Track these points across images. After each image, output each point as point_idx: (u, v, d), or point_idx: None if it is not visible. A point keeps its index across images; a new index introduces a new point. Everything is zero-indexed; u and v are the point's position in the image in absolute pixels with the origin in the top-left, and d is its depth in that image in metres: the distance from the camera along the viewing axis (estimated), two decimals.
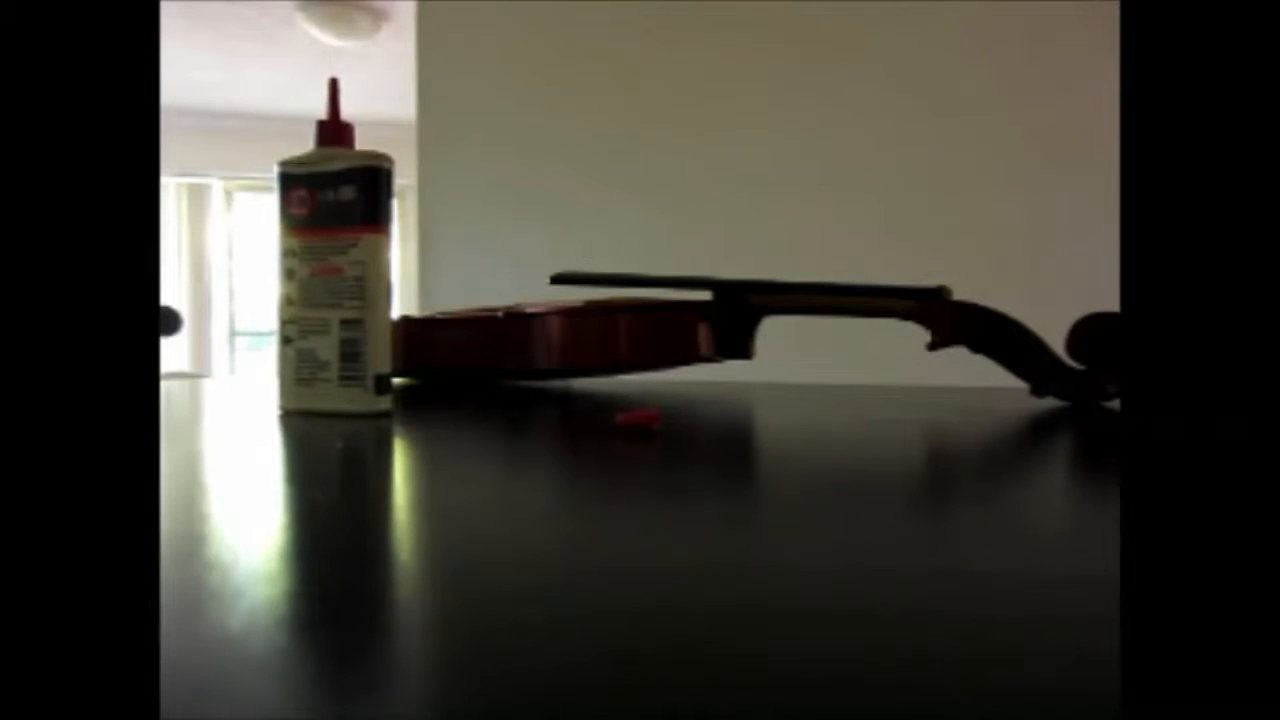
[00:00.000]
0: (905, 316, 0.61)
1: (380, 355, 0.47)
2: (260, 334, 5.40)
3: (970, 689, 0.13)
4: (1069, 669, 0.13)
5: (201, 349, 5.33)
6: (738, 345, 0.65)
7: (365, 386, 0.47)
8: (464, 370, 0.65)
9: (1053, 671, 0.13)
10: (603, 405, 0.58)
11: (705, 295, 0.65)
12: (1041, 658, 0.14)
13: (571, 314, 0.62)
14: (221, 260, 5.40)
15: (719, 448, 0.42)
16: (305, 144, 0.49)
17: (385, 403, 0.47)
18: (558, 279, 0.70)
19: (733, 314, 0.61)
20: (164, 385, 0.70)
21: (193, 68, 4.23)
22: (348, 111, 0.50)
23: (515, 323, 0.63)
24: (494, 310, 0.66)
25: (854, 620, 0.16)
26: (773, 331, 0.95)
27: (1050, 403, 0.61)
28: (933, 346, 0.59)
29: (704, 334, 0.64)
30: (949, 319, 0.58)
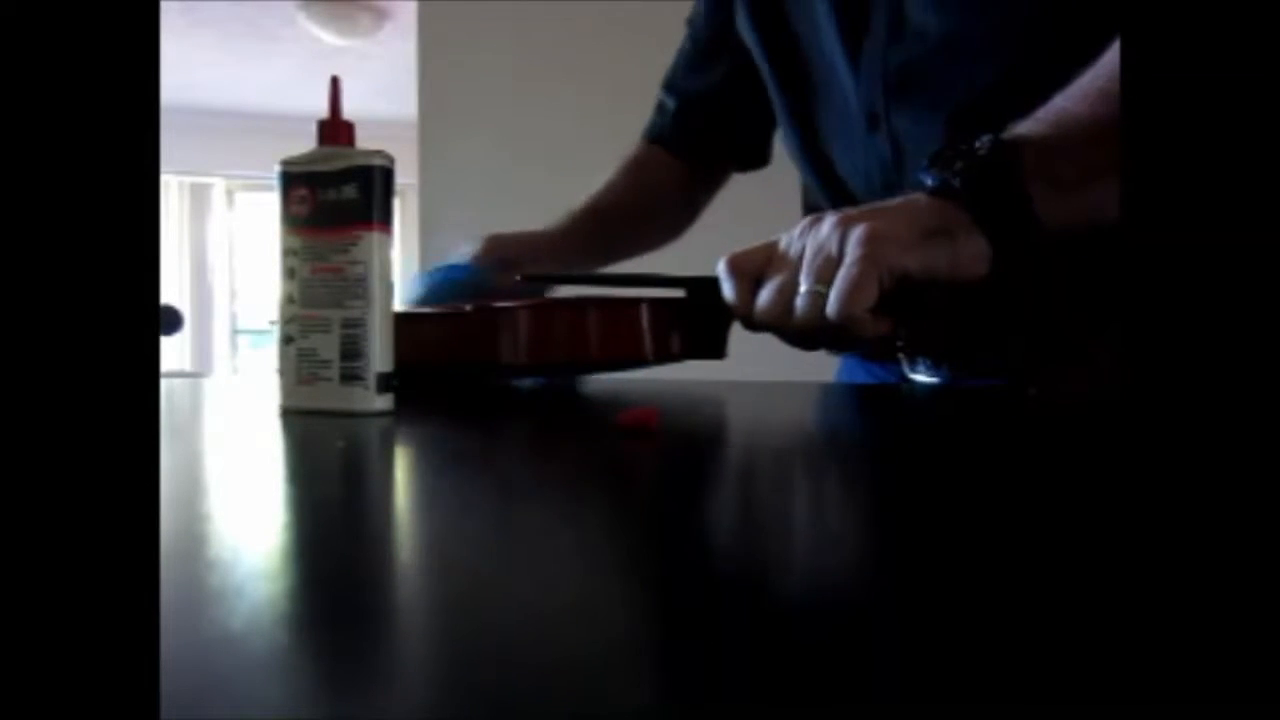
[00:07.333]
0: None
1: (382, 354, 0.47)
2: (262, 332, 5.39)
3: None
4: None
5: (203, 347, 5.33)
6: (711, 344, 0.65)
7: (367, 385, 0.47)
8: (434, 368, 0.64)
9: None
10: (602, 405, 0.58)
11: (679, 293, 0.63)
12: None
13: (539, 309, 0.61)
14: (223, 259, 5.40)
15: (718, 447, 0.42)
16: (307, 143, 0.49)
17: (387, 402, 0.47)
18: (528, 277, 0.70)
19: (706, 312, 0.61)
20: (164, 384, 0.70)
21: (194, 66, 4.23)
22: (349, 110, 0.49)
23: (483, 317, 0.62)
24: (462, 306, 0.65)
25: (854, 618, 0.16)
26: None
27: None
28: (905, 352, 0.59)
29: (677, 332, 0.63)
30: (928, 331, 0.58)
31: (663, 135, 0.92)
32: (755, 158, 0.93)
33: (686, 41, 0.91)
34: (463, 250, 0.79)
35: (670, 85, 0.92)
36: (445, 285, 0.73)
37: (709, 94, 0.89)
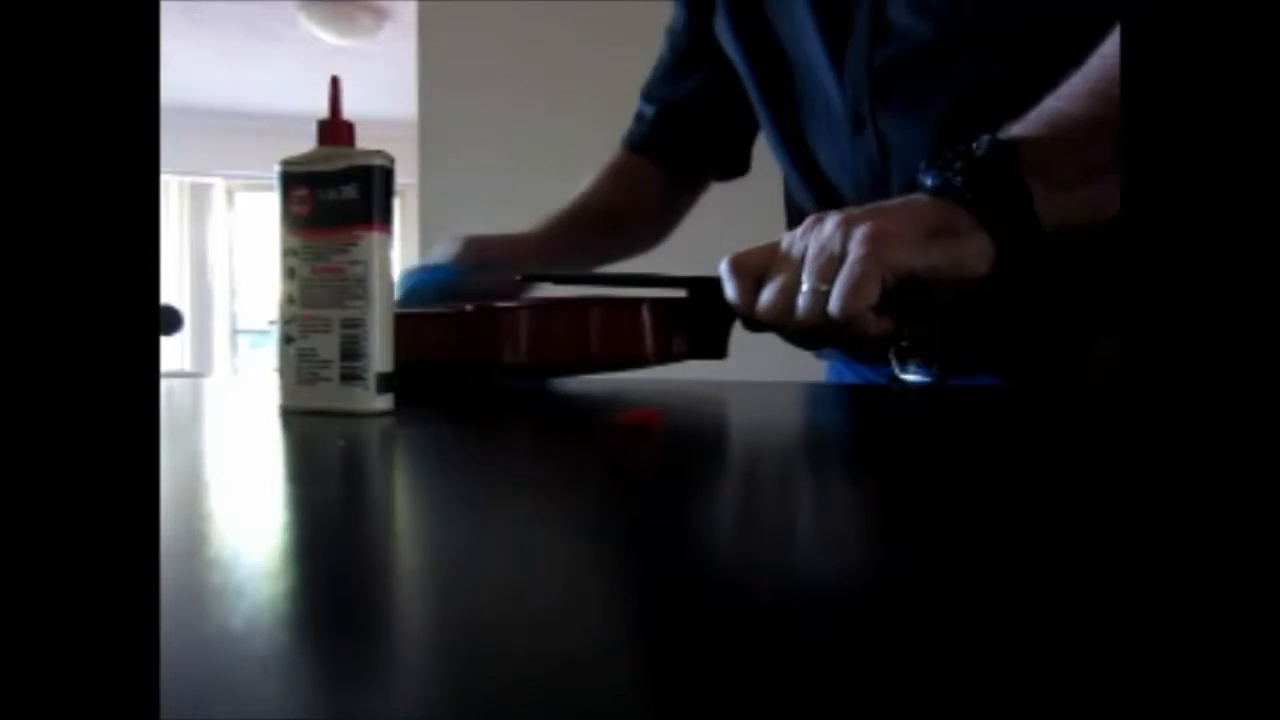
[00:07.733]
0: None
1: (382, 354, 0.47)
2: (262, 332, 5.39)
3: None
4: None
5: (203, 347, 5.33)
6: (712, 344, 0.64)
7: (367, 385, 0.47)
8: (434, 368, 0.63)
9: None
10: (602, 405, 0.58)
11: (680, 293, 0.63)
12: None
13: (540, 309, 0.61)
14: (223, 259, 5.41)
15: (720, 448, 0.42)
16: (307, 143, 0.49)
17: (387, 402, 0.47)
18: (528, 276, 0.70)
19: (707, 312, 0.60)
20: (164, 384, 0.70)
21: (194, 66, 4.23)
22: (349, 110, 0.49)
23: (483, 318, 0.62)
24: (460, 305, 0.65)
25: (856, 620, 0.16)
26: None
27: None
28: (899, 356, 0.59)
29: (678, 332, 0.62)
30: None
31: (642, 143, 0.92)
32: (735, 166, 0.93)
33: (665, 50, 0.91)
34: (441, 250, 0.79)
35: (649, 94, 0.93)
36: (427, 285, 0.73)
37: (687, 102, 0.89)
